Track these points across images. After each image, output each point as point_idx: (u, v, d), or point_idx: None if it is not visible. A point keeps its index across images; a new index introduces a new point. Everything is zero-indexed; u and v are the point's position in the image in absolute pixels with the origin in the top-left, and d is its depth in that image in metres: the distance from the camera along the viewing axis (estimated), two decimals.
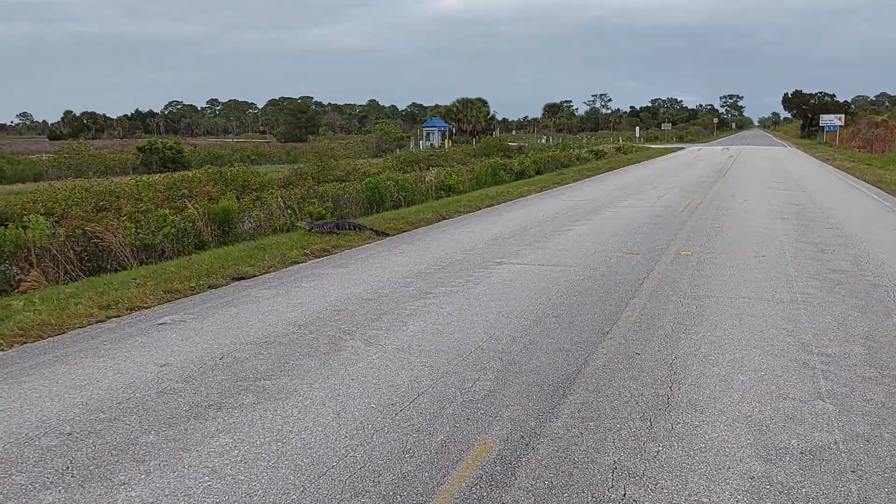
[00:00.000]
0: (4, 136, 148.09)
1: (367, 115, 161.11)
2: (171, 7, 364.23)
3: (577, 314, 6.73)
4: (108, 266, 12.47)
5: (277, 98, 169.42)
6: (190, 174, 32.59)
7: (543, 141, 79.23)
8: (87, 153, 41.40)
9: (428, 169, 29.97)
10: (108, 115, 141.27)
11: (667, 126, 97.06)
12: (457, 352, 5.56)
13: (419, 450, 3.90)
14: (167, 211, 13.78)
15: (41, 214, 13.99)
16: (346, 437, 4.06)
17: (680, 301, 7.24)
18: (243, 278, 8.72)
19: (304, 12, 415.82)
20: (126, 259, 12.54)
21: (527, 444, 3.96)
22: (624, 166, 35.58)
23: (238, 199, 20.17)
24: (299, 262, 9.78)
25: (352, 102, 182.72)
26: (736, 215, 14.32)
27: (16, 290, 11.09)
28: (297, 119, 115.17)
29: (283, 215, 16.96)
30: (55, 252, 12.00)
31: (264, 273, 9.02)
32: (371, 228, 12.53)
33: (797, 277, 8.38)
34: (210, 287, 8.20)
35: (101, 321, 6.74)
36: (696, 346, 5.77)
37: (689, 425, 4.23)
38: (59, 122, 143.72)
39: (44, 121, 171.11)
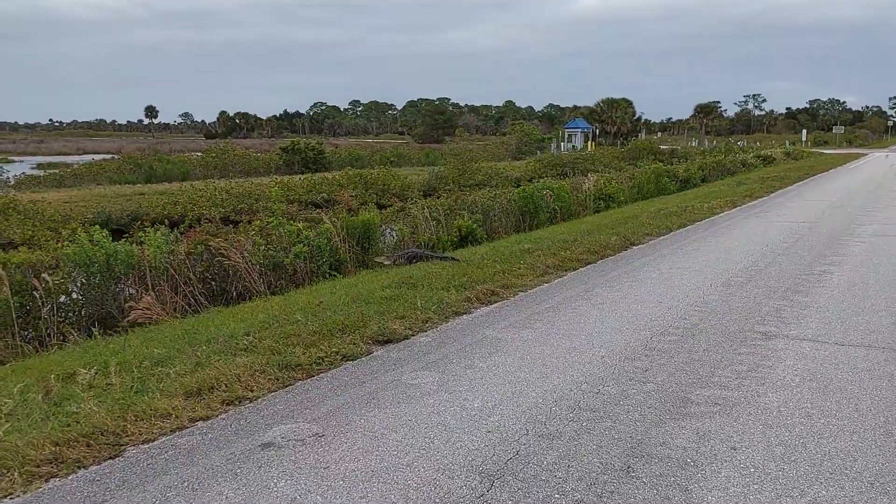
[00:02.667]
0: (167, 135, 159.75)
1: (504, 117, 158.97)
2: (320, 12, 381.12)
3: None
4: (233, 290, 10.51)
5: (416, 99, 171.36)
6: (330, 176, 31.43)
7: (695, 144, 73.37)
8: (233, 153, 41.63)
9: (584, 175, 26.78)
10: (258, 116, 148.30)
11: (838, 129, 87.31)
12: None
13: None
14: (300, 225, 11.67)
15: (164, 225, 12.29)
16: None
17: None
18: (390, 341, 6.13)
19: (444, 15, 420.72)
20: (253, 282, 10.52)
21: None
22: (811, 175, 30.51)
23: (378, 206, 18.12)
24: (462, 314, 7.08)
25: (488, 104, 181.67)
26: None
27: (124, 320, 9.32)
28: (435, 120, 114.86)
29: (428, 228, 14.57)
30: (173, 272, 10.15)
31: (418, 332, 6.39)
32: (452, 258, 10.12)
33: None
34: (344, 358, 5.66)
35: (180, 428, 4.33)
36: None
37: None
38: (214, 122, 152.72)
39: (202, 120, 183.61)
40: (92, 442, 4.10)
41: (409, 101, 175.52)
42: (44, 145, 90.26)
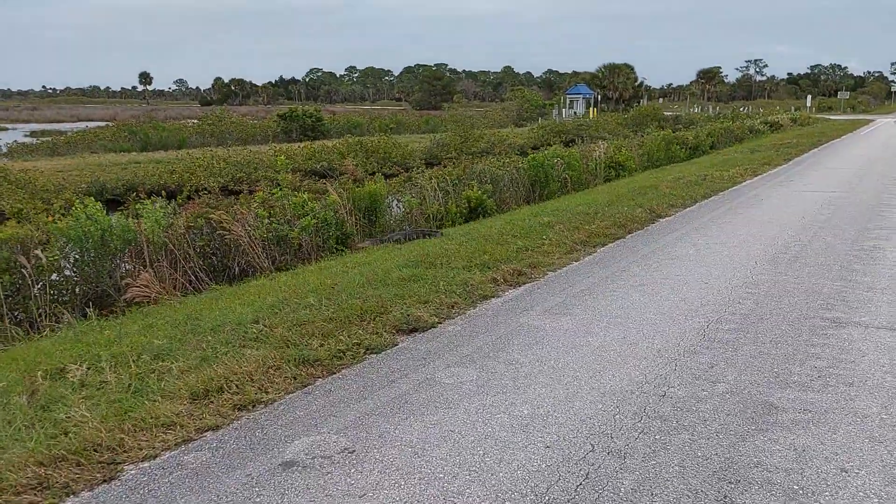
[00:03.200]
0: (162, 101, 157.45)
1: (502, 83, 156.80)
2: None
3: None
4: (235, 266, 9.89)
5: (412, 65, 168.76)
6: (329, 144, 30.55)
7: (697, 110, 72.26)
8: (230, 120, 40.63)
9: (593, 142, 26.01)
10: (254, 82, 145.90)
11: (843, 95, 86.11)
12: None
13: None
14: (306, 196, 10.99)
15: (161, 196, 11.59)
16: None
17: None
18: (415, 330, 5.51)
19: None
20: (256, 257, 9.89)
21: None
22: (823, 142, 29.72)
23: (383, 174, 17.37)
24: (490, 297, 6.45)
25: (486, 69, 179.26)
26: None
27: (121, 299, 8.72)
28: (433, 86, 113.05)
29: (437, 200, 13.91)
30: (172, 247, 9.52)
31: (446, 320, 5.77)
32: (437, 232, 9.83)
33: None
34: (367, 350, 5.05)
35: (186, 441, 3.72)
36: None
37: None
38: (209, 88, 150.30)
39: (197, 87, 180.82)
40: (83, 460, 3.49)
41: (405, 67, 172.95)
42: (37, 112, 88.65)
